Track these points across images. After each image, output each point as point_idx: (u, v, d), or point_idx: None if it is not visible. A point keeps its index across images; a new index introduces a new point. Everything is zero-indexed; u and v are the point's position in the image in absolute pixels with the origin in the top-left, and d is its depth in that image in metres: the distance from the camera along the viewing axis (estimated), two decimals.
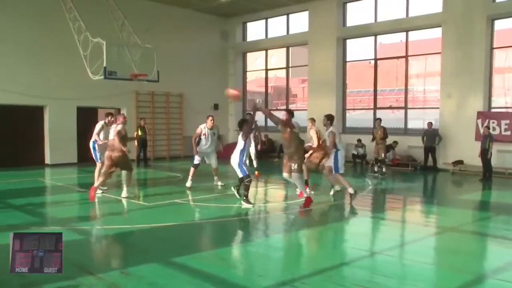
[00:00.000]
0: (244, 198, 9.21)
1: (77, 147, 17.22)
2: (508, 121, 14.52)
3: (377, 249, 6.64)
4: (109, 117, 10.77)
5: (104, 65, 12.69)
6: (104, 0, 14.97)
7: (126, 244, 6.84)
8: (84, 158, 17.35)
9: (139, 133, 14.81)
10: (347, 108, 19.55)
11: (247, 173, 9.23)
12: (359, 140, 17.16)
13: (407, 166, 16.18)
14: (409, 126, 17.44)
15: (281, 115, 9.38)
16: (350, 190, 9.90)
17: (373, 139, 14.55)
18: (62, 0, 14.09)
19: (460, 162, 15.21)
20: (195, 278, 5.16)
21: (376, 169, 14.45)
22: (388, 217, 8.96)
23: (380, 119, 14.80)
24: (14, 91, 15.36)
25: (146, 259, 5.90)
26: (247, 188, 9.19)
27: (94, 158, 10.78)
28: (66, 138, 16.92)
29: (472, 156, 14.28)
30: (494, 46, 15.29)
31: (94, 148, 10.68)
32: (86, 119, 17.53)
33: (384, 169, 14.25)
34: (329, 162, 9.94)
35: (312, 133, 10.49)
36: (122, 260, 5.79)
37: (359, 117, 19.88)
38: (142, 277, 5.18)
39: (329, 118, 9.92)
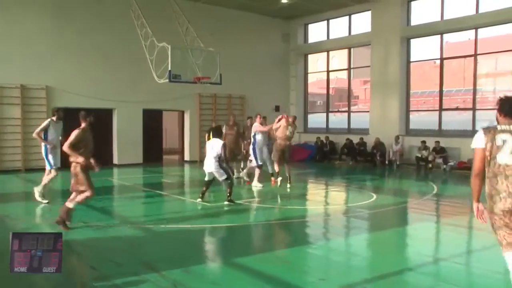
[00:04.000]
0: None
1: (143, 148, 17.93)
2: None
3: (442, 256, 6.41)
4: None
5: (169, 68, 13.09)
6: (169, 6, 15.48)
7: (188, 244, 7.00)
8: (149, 159, 18.05)
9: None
10: (410, 109, 19.00)
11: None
12: (423, 142, 16.64)
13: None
14: (477, 128, 16.65)
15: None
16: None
17: None
18: (131, 8, 14.69)
19: None
20: (257, 279, 5.21)
21: None
22: (454, 222, 8.61)
23: None
24: (86, 95, 16.21)
25: (208, 259, 6.03)
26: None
27: None
28: (133, 139, 17.63)
29: None
30: None
31: None
32: (152, 121, 18.23)
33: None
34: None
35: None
36: (185, 259, 5.95)
37: (423, 119, 19.26)
38: (204, 276, 5.30)
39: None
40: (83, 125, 7.19)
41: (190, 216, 8.91)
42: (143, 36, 14.20)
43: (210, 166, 9.48)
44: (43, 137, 9.40)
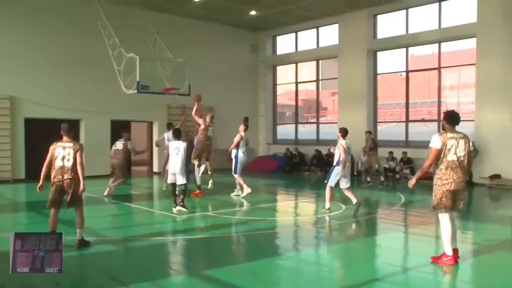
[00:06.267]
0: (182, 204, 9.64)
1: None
2: None
3: (410, 265, 6.48)
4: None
5: (137, 79, 12.94)
6: (138, 16, 15.35)
7: (156, 256, 6.87)
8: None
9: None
10: (378, 121, 19.33)
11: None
12: (390, 153, 16.91)
13: None
14: None
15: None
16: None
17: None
18: (99, 17, 14.49)
19: (497, 176, 14.73)
20: None
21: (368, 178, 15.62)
22: (421, 232, 8.73)
23: (370, 132, 16.38)
24: (52, 105, 15.88)
25: (176, 272, 5.92)
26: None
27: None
28: (100, 150, 17.24)
29: (510, 169, 13.85)
30: None
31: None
32: (120, 131, 17.90)
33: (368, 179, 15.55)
34: None
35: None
36: (153, 272, 5.83)
37: (390, 130, 19.61)
38: None
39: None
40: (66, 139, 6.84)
41: (157, 228, 8.77)
42: (110, 46, 14.01)
43: (175, 167, 9.58)
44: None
